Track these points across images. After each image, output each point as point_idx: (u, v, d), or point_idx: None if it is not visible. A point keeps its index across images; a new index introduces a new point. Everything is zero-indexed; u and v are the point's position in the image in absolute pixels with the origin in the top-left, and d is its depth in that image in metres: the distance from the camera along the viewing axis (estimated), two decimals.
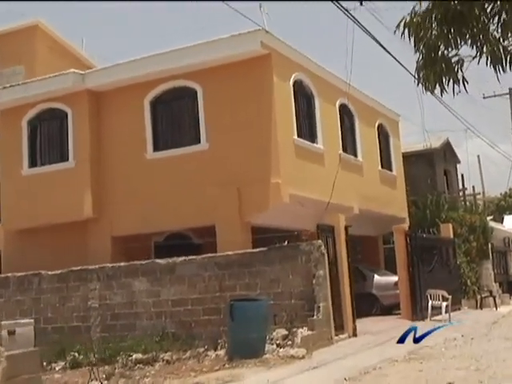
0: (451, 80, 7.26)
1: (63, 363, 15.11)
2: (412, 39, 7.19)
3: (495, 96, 41.16)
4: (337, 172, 17.13)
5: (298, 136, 17.80)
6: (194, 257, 15.81)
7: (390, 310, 22.36)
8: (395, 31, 7.27)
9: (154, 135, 18.31)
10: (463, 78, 7.32)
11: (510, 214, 44.31)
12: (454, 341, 15.29)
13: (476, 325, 18.81)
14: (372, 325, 18.54)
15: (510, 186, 48.77)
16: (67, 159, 19.09)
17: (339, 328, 15.75)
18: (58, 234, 18.90)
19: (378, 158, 23.71)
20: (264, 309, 13.26)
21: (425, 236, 23.66)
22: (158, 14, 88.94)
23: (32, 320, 13.70)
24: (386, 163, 24.52)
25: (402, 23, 7.08)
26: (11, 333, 12.04)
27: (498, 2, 6.80)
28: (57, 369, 14.83)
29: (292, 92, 17.76)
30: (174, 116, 18.45)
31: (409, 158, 28.89)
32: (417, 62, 7.35)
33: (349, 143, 21.49)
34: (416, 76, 7.38)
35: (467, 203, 33.47)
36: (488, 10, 6.89)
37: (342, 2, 12.79)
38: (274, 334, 13.80)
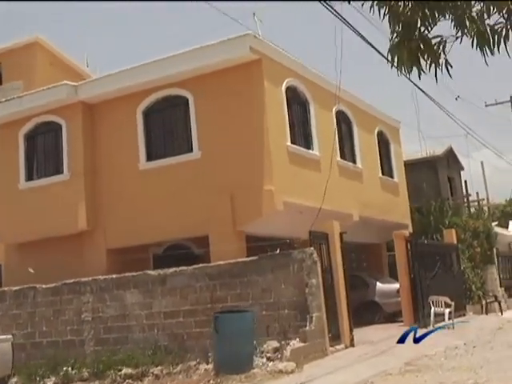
0: (432, 63, 6.01)
1: (54, 378, 14.23)
2: (387, 18, 5.97)
3: (497, 104, 39.85)
4: (328, 177, 15.78)
5: (292, 142, 16.58)
6: (184, 268, 14.64)
7: (393, 317, 20.97)
8: (371, 8, 6.05)
9: (147, 145, 17.23)
10: (446, 60, 6.07)
11: None
12: (455, 349, 13.99)
13: (480, 331, 17.39)
14: (373, 333, 17.19)
15: None
16: (62, 172, 18.05)
17: (335, 338, 14.42)
18: (56, 247, 17.91)
19: (378, 164, 22.42)
20: (250, 321, 11.96)
21: (426, 242, 22.29)
22: (157, 22, 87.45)
23: (10, 336, 12.63)
24: (386, 170, 23.24)
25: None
26: None
27: None
28: None
29: (285, 98, 16.56)
30: (167, 125, 17.33)
31: (413, 166, 27.91)
32: (390, 41, 6.11)
33: (347, 150, 20.26)
34: (389, 56, 6.11)
35: (472, 209, 32.16)
36: None
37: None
38: (265, 346, 12.52)
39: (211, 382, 11.16)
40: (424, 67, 6.07)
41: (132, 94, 17.12)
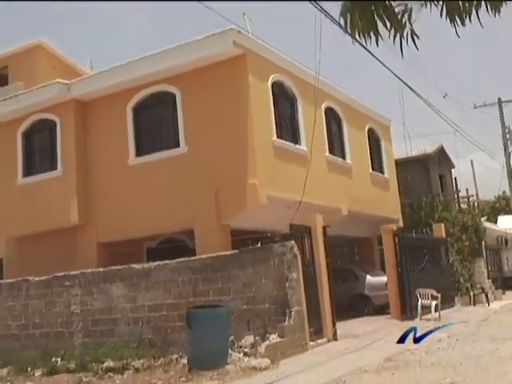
0: (396, 32, 4.70)
1: (43, 369, 13.13)
2: None
3: (485, 106, 38.40)
4: (307, 171, 14.44)
5: (279, 137, 15.31)
6: (168, 261, 13.43)
7: (383, 309, 19.63)
8: None
9: (137, 141, 16.06)
10: (412, 30, 4.77)
11: (503, 214, 41.35)
12: (438, 342, 12.71)
13: (465, 323, 16.04)
14: (359, 326, 15.91)
15: (502, 189, 46.20)
16: (56, 168, 16.94)
17: (318, 332, 13.15)
18: (52, 241, 16.88)
19: (368, 160, 21.08)
20: (224, 316, 10.68)
21: (414, 235, 20.94)
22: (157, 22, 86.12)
23: None
24: (377, 166, 21.91)
25: None
26: None
27: None
28: (36, 375, 12.96)
29: (270, 93, 15.29)
30: (156, 121, 16.12)
31: (405, 164, 26.62)
32: (342, 5, 4.81)
33: (336, 146, 18.95)
34: (341, 21, 4.80)
35: (463, 205, 30.85)
36: None
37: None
38: (243, 341, 11.27)
39: (182, 378, 9.93)
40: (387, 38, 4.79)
41: (122, 91, 15.98)
